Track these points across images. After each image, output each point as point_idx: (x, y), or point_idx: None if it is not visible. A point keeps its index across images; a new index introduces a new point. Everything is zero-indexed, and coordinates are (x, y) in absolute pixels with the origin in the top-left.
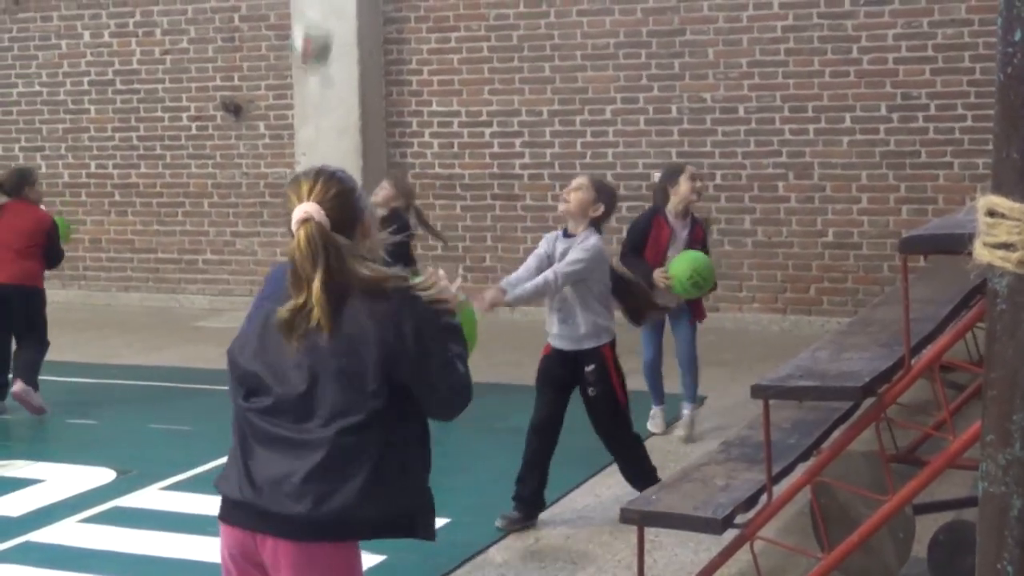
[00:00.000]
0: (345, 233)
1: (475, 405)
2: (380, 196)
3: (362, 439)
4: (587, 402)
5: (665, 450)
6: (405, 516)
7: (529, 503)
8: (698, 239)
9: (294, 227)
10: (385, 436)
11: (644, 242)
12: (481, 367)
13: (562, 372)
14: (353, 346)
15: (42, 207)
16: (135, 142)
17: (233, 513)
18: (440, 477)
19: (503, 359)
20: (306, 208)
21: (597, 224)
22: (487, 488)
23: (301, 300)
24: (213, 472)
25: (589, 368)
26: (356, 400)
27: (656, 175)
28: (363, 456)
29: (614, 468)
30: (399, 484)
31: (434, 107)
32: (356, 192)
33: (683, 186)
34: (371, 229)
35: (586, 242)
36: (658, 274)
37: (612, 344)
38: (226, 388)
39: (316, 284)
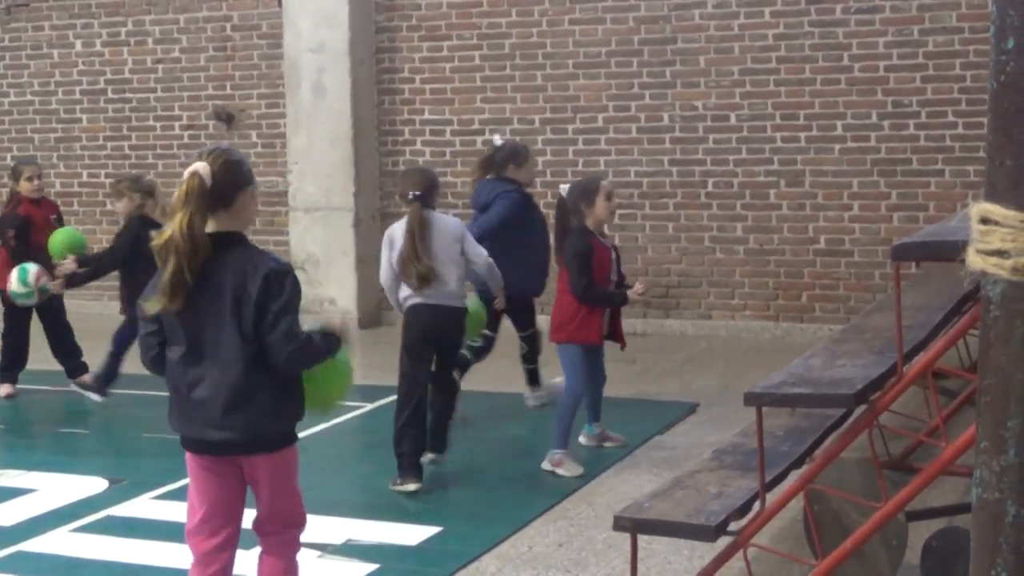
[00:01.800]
0: (227, 196)
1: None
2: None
3: None
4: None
5: (657, 458)
6: None
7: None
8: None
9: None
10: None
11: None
12: (468, 375)
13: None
14: None
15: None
16: (127, 151)
17: None
18: (432, 486)
19: (491, 366)
20: (196, 165)
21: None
22: (479, 497)
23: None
24: None
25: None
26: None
27: (647, 183)
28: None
29: (607, 475)
30: None
31: (426, 116)
32: (243, 165)
33: (600, 206)
34: (251, 202)
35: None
36: (634, 294)
37: None
38: None
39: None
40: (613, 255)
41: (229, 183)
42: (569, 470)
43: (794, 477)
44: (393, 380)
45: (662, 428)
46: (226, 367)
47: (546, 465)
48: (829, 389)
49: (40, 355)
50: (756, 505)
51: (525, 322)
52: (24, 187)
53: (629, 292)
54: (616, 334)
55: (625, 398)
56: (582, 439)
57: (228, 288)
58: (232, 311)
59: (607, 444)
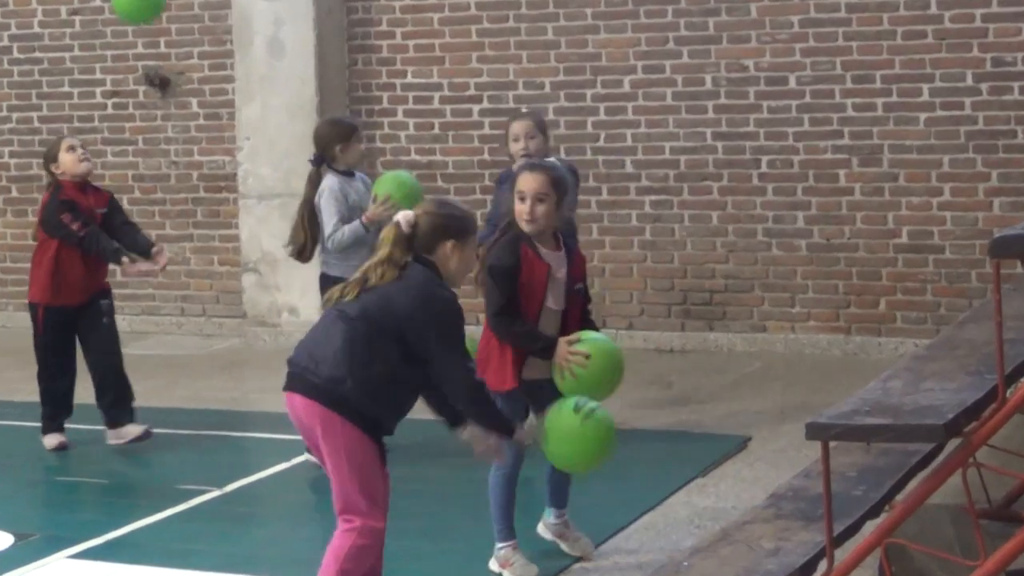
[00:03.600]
0: (428, 246)
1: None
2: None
3: None
4: None
5: (700, 506)
6: None
7: None
8: (579, 277)
9: None
10: None
11: (515, 288)
12: None
13: None
14: None
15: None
16: (36, 124)
17: None
18: (409, 546)
19: None
20: (400, 215)
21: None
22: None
23: None
24: (132, 536)
25: None
26: None
27: (685, 163)
28: None
29: (635, 528)
30: None
31: (409, 79)
32: (451, 219)
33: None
34: (456, 254)
35: None
36: (565, 352)
37: None
38: (158, 430)
39: None
40: (558, 272)
41: (428, 235)
42: (518, 570)
43: (870, 528)
44: None
45: (705, 468)
46: None
47: (493, 566)
48: (913, 419)
49: None
50: (822, 564)
51: None
52: (67, 162)
53: (561, 341)
54: None
55: (658, 430)
56: (540, 528)
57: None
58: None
59: (563, 546)
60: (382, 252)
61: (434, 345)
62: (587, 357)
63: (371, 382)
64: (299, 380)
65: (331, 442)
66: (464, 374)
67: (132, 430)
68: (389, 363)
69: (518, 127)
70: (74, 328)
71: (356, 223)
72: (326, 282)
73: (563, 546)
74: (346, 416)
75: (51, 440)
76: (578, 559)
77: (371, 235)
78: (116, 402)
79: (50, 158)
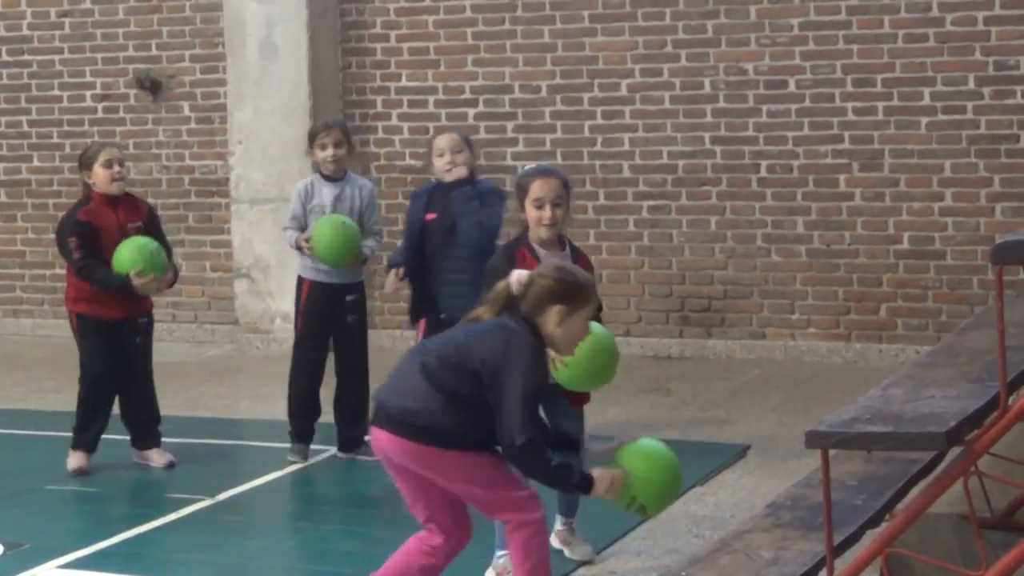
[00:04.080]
0: (535, 309)
1: None
2: None
3: None
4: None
5: (698, 515)
6: None
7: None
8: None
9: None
10: None
11: None
12: None
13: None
14: None
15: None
16: (26, 128)
17: None
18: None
19: None
20: (513, 274)
21: None
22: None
23: None
24: (123, 546)
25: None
26: None
27: (683, 167)
28: None
29: (633, 537)
30: None
31: (404, 82)
32: (560, 286)
33: (529, 214)
34: (563, 320)
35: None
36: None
37: None
38: (174, 440)
39: None
40: None
41: (536, 298)
42: (576, 553)
43: (870, 538)
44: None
45: (703, 476)
46: None
47: (489, 573)
48: (914, 427)
49: None
50: (822, 574)
51: None
52: (99, 176)
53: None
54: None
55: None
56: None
57: None
58: None
59: (567, 552)
60: (483, 308)
61: (500, 392)
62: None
63: (443, 414)
64: (383, 414)
65: (442, 474)
66: (512, 435)
67: (157, 458)
68: (462, 397)
69: (444, 141)
70: (114, 342)
71: (292, 235)
72: (299, 283)
73: (567, 552)
74: (436, 445)
75: (76, 461)
76: (581, 564)
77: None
78: (144, 424)
79: (85, 164)
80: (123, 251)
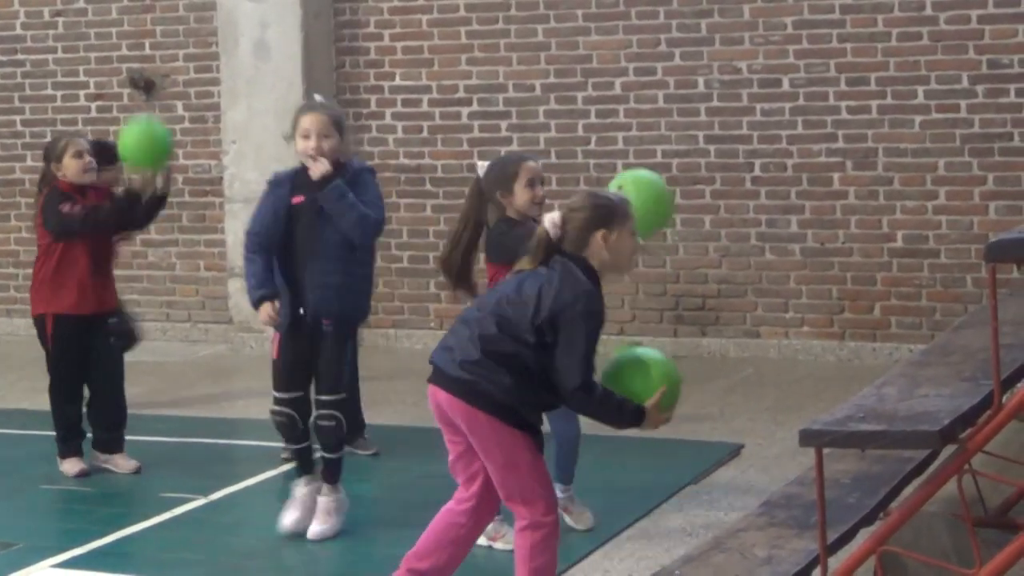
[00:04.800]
0: (578, 242)
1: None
2: None
3: None
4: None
5: (692, 513)
6: None
7: None
8: None
9: None
10: None
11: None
12: None
13: None
14: None
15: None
16: (19, 127)
17: None
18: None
19: None
20: (547, 216)
21: None
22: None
23: None
24: (116, 545)
25: None
26: None
27: (677, 166)
28: None
29: (627, 535)
30: None
31: (397, 81)
32: (596, 210)
33: (519, 195)
34: (611, 243)
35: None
36: None
37: None
38: (142, 438)
39: None
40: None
41: (576, 232)
42: (508, 542)
43: (864, 536)
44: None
45: (697, 475)
46: None
47: (483, 541)
48: (908, 425)
49: None
50: (816, 573)
51: None
52: (71, 167)
53: None
54: None
55: (650, 437)
56: None
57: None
58: None
59: (568, 519)
60: (526, 259)
61: (561, 337)
62: None
63: (498, 378)
64: (439, 374)
65: (481, 440)
66: (573, 376)
67: (123, 464)
68: (518, 353)
69: (310, 122)
70: (85, 342)
71: None
72: None
73: (568, 519)
74: (487, 411)
75: (72, 467)
76: (570, 567)
77: None
78: (109, 427)
79: (53, 157)
80: (132, 139)
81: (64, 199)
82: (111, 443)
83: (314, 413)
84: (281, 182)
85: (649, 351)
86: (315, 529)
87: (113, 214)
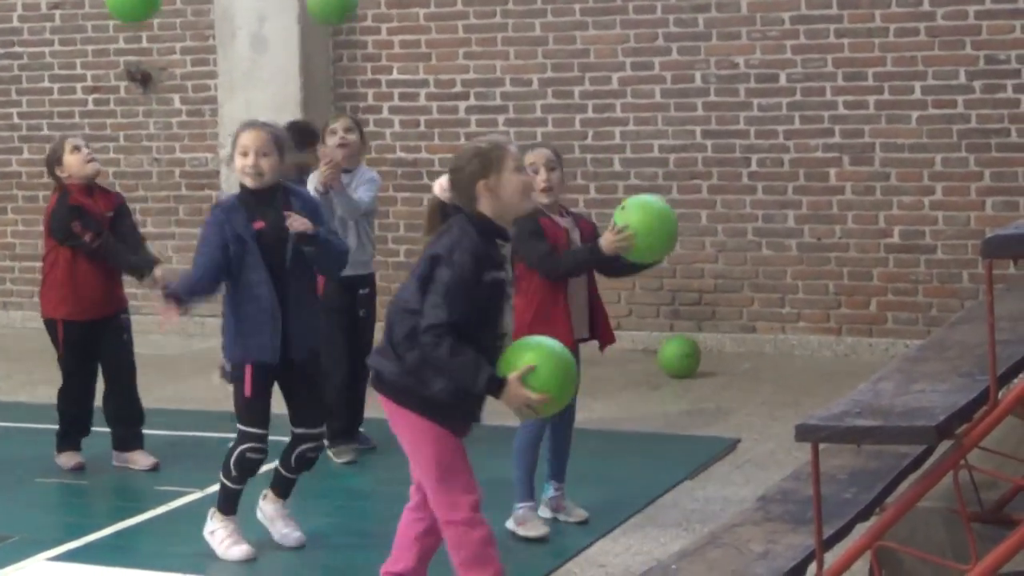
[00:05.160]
0: (466, 196)
1: None
2: None
3: None
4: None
5: (688, 508)
6: None
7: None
8: (590, 236)
9: None
10: None
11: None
12: None
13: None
14: None
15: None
16: (16, 120)
17: None
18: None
19: None
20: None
21: None
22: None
23: None
24: (114, 538)
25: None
26: None
27: (675, 160)
28: None
29: (622, 530)
30: None
31: (395, 75)
32: (470, 163)
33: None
34: (497, 189)
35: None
36: (613, 244)
37: None
38: (163, 433)
39: None
40: (574, 235)
41: (462, 190)
42: (531, 530)
43: (860, 531)
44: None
45: (693, 471)
46: None
47: (510, 524)
48: (904, 421)
49: None
50: (812, 568)
51: None
52: (73, 164)
53: (601, 242)
54: (600, 331)
55: (646, 432)
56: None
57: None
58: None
59: (560, 517)
60: (426, 230)
61: (430, 282)
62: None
63: (398, 365)
64: (374, 378)
65: (398, 432)
66: (428, 316)
67: (140, 460)
68: (414, 327)
69: (249, 138)
70: (96, 344)
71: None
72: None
73: (561, 517)
74: (389, 395)
75: (68, 460)
76: (566, 561)
77: None
78: (127, 424)
79: (54, 161)
80: None
81: (73, 215)
82: (130, 440)
83: (303, 446)
84: (234, 207)
85: (549, 340)
86: (296, 535)
87: (118, 257)
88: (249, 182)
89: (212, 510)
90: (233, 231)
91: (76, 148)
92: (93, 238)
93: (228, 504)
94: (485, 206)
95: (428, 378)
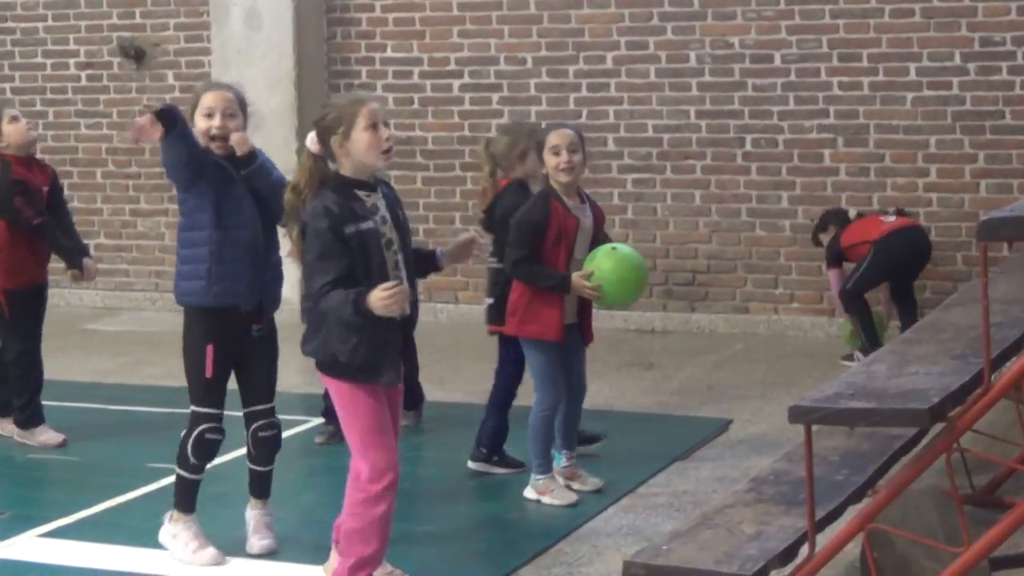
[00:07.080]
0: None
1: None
2: None
3: None
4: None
5: (679, 489)
6: None
7: None
8: (600, 226)
9: None
10: None
11: (539, 243)
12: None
13: None
14: None
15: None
16: (9, 95)
17: None
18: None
19: (471, 374)
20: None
21: None
22: (450, 540)
23: None
24: (105, 515)
25: None
26: None
27: (668, 141)
28: None
29: (614, 510)
30: None
31: (389, 53)
32: (323, 120)
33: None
34: (350, 147)
35: None
36: (581, 285)
37: None
38: (129, 408)
39: None
40: (586, 223)
41: (321, 141)
42: (558, 498)
43: (852, 513)
44: None
45: (685, 451)
46: None
47: (529, 493)
48: (897, 403)
49: None
50: (803, 549)
51: None
52: (12, 133)
53: (574, 276)
54: (583, 328)
55: (638, 412)
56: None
57: None
58: None
59: (575, 486)
60: (305, 191)
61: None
62: (599, 287)
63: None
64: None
65: (334, 401)
66: (306, 283)
67: (50, 437)
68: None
69: (213, 99)
70: (40, 310)
71: None
72: None
73: (574, 485)
74: (318, 366)
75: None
76: (558, 540)
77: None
78: (28, 399)
79: None
80: None
81: (18, 190)
82: (33, 417)
83: (255, 424)
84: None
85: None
86: (265, 543)
87: (55, 241)
88: (216, 149)
89: (170, 512)
90: (216, 162)
91: (15, 118)
92: (34, 215)
93: (188, 500)
94: (342, 166)
95: (332, 337)
